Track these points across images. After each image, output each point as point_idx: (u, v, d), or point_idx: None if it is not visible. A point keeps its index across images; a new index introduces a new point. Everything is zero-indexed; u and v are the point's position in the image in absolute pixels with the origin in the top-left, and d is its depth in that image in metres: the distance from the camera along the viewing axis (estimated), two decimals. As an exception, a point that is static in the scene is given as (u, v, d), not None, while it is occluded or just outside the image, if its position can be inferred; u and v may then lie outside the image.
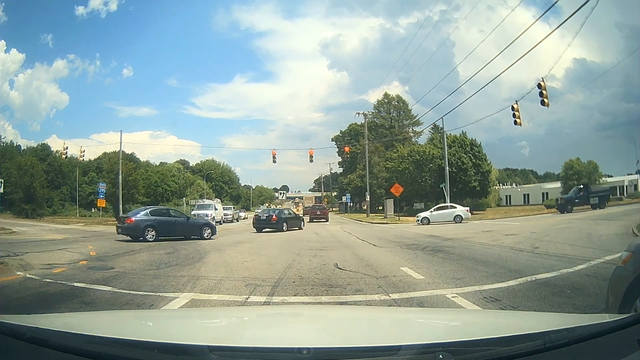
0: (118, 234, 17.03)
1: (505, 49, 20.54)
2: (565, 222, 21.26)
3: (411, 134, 57.68)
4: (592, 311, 4.30)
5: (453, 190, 37.14)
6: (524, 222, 24.39)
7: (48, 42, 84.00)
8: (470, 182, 40.29)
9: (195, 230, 17.97)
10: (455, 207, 29.19)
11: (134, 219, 16.76)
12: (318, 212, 38.16)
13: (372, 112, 58.32)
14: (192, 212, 32.39)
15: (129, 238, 16.22)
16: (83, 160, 45.69)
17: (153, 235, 16.19)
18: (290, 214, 26.72)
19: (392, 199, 38.49)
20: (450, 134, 39.43)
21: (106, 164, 54.07)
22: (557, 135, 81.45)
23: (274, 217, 24.32)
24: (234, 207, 48.08)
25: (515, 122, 22.34)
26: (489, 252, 10.56)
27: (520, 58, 19.37)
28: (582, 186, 33.85)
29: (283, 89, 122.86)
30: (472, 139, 42.58)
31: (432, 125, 49.48)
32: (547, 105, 19.60)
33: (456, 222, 26.77)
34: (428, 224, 26.75)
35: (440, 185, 34.47)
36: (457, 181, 38.83)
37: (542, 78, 19.39)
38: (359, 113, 49.11)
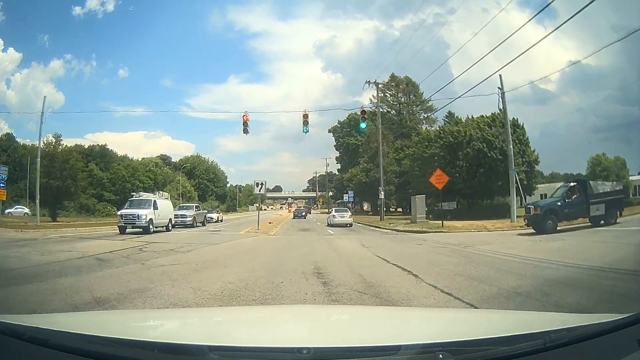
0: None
1: (496, 47, 20.92)
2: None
3: (423, 120, 49.00)
4: (593, 311, 4.29)
5: (498, 184, 28.85)
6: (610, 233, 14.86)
7: (45, 42, 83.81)
8: (517, 174, 29.38)
9: None
10: (347, 212, 30.69)
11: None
12: (303, 214, 49.35)
13: (383, 85, 43.44)
14: (119, 212, 23.26)
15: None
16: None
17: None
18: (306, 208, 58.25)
19: (423, 196, 28.21)
20: (476, 115, 31.06)
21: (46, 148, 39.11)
22: (552, 137, 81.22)
23: (304, 212, 50.81)
24: (198, 207, 34.20)
25: None
26: None
27: (514, 59, 19.13)
28: (574, 183, 18.55)
29: (277, 90, 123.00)
30: (514, 119, 31.21)
31: (446, 114, 42.26)
32: None
33: (348, 227, 26.62)
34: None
35: (513, 170, 24.51)
36: (502, 172, 28.68)
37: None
38: (369, 82, 35.82)
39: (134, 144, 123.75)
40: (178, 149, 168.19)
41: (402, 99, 52.16)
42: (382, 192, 33.75)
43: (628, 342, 1.52)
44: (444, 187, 23.51)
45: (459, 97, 29.36)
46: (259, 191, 25.40)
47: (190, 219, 28.48)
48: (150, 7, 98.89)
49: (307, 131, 25.02)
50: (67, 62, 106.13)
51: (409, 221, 27.12)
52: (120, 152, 65.05)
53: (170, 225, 24.73)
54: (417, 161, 35.78)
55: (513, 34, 19.25)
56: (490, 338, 1.54)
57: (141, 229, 21.21)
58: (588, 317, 1.92)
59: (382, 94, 48.55)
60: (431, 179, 22.95)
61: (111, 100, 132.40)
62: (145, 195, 25.59)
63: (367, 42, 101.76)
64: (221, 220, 39.43)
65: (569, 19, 15.22)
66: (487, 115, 31.81)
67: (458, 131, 32.14)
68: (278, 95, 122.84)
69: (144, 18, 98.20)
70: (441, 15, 78.83)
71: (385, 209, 38.23)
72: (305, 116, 24.73)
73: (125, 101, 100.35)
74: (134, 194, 27.84)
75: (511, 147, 25.04)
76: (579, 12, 14.23)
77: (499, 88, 23.99)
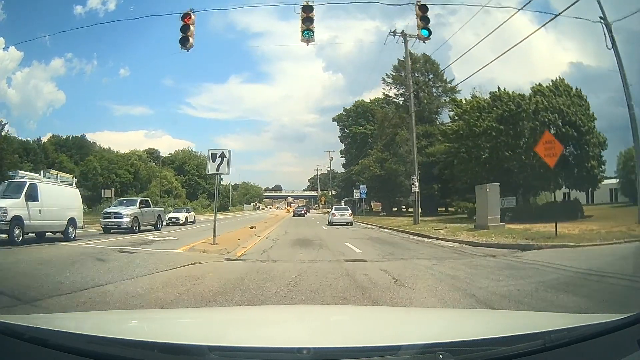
0: None
1: (485, 37, 19.04)
2: None
3: (448, 102, 39.78)
4: (592, 311, 4.29)
5: (574, 172, 23.65)
6: None
7: (46, 40, 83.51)
8: (588, 160, 23.25)
9: None
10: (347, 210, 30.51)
11: None
12: (303, 212, 53.84)
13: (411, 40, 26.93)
14: None
15: None
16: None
17: None
18: (305, 207, 64.49)
19: (498, 184, 17.92)
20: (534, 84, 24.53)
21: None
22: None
23: (303, 210, 55.71)
24: (146, 202, 22.96)
25: None
26: None
27: (506, 52, 17.64)
28: None
29: (278, 90, 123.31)
30: (577, 89, 24.77)
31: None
32: None
33: (348, 227, 25.44)
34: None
35: None
36: (577, 155, 23.19)
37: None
38: (393, 32, 23.98)
39: (134, 143, 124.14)
40: (178, 148, 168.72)
41: (420, 78, 42.86)
42: (417, 184, 23.46)
43: (628, 342, 1.52)
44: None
45: (532, 34, 20.10)
46: (217, 169, 13.36)
47: (127, 219, 19.34)
48: (151, 7, 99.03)
49: (310, 36, 13.45)
50: (68, 61, 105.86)
51: (468, 226, 18.04)
52: (120, 150, 63.67)
53: (72, 229, 15.47)
54: (462, 140, 26.34)
55: (499, 26, 18.49)
56: (490, 338, 1.54)
57: (5, 235, 12.59)
58: (588, 317, 1.92)
59: (397, 73, 41.50)
60: (537, 148, 14.20)
61: (111, 99, 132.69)
62: (28, 177, 15.12)
63: (368, 43, 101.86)
64: (192, 222, 30.66)
65: (559, 13, 14.62)
66: (545, 85, 24.93)
67: (521, 97, 24.07)
68: (279, 95, 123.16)
69: (145, 17, 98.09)
70: (442, 15, 78.53)
71: (400, 208, 33.20)
72: (307, 10, 13.29)
73: (125, 100, 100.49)
74: (10, 173, 19.28)
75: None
76: (569, 7, 13.67)
77: (600, 17, 16.02)
